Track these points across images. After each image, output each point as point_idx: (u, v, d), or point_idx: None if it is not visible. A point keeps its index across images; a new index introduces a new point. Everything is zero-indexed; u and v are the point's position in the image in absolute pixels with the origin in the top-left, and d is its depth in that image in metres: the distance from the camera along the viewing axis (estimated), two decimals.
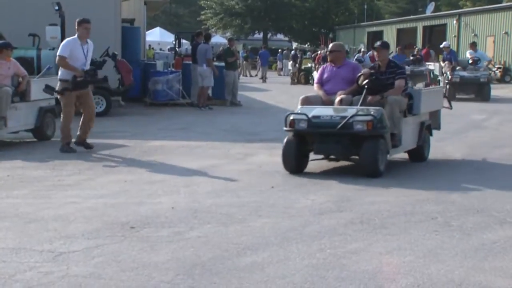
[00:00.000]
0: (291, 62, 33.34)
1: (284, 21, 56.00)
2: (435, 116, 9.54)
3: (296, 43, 59.74)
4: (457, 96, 19.07)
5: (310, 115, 7.87)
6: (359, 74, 8.39)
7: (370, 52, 33.21)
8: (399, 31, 46.14)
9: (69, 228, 5.43)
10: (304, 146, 8.02)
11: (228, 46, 19.58)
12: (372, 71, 8.44)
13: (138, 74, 16.90)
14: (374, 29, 49.94)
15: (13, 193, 6.77)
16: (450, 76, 19.53)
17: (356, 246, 5.02)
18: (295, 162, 7.94)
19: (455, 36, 37.70)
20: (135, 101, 17.27)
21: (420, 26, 43.07)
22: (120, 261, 4.61)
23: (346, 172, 8.13)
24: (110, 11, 16.86)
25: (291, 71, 32.54)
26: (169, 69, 18.73)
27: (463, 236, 5.34)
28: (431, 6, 46.18)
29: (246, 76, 38.29)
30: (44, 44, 14.53)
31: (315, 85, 8.88)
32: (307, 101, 8.49)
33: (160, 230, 5.40)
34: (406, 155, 8.99)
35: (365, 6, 54.49)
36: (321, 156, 8.26)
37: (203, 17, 57.35)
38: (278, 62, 35.56)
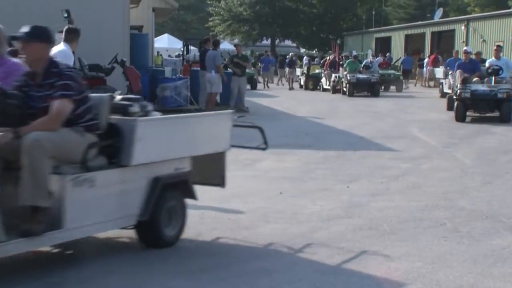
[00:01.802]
0: (287, 69, 33.54)
1: (292, 27, 56.08)
2: (212, 164, 5.53)
3: (304, 50, 59.79)
4: (468, 115, 15.50)
5: None
6: None
7: (379, 58, 33.34)
8: (407, 37, 46.11)
9: None
10: None
11: (236, 52, 19.53)
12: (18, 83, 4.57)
13: (146, 81, 16.96)
14: (382, 35, 49.92)
15: None
16: (459, 91, 15.04)
17: (365, 252, 5.01)
18: None
19: (463, 41, 37.62)
20: None
21: (428, 32, 43.03)
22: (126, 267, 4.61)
23: (356, 179, 8.12)
24: (118, 18, 16.94)
25: (288, 76, 32.72)
26: (177, 75, 18.78)
27: (472, 242, 5.32)
28: (439, 12, 46.15)
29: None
30: None
31: None
32: None
33: None
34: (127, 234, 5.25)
35: (373, 12, 54.52)
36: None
37: (211, 23, 57.50)
38: (286, 68, 35.91)
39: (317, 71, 31.12)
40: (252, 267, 4.64)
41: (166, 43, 44.89)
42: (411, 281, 4.38)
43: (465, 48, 17.91)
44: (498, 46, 16.92)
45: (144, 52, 18.82)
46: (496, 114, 15.15)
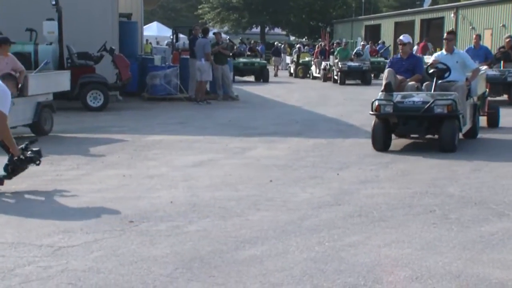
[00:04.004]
0: (273, 57, 34.34)
1: (282, 15, 55.98)
2: None
3: (293, 38, 59.71)
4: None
5: None
6: None
7: (369, 46, 33.32)
8: (396, 24, 46.14)
9: (68, 222, 5.43)
10: None
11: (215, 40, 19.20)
12: None
13: (135, 69, 16.90)
14: (372, 22, 49.93)
15: (11, 188, 6.77)
16: (376, 103, 9.35)
17: (355, 239, 5.04)
18: None
19: (452, 29, 37.71)
20: (133, 95, 17.26)
21: (417, 19, 43.08)
22: (119, 255, 4.62)
23: (346, 166, 8.14)
24: (107, 5, 16.84)
25: (274, 64, 33.61)
26: (167, 63, 18.70)
27: (461, 229, 5.36)
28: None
29: None
30: (41, 39, 14.51)
31: None
32: None
33: (159, 224, 5.41)
34: None
35: (363, 0, 54.49)
36: None
37: (200, 11, 57.30)
38: (271, 56, 36.42)
39: (307, 59, 31.09)
40: (243, 255, 4.65)
41: (155, 31, 44.66)
42: (400, 268, 4.40)
43: (400, 37, 10.72)
44: (450, 33, 10.84)
45: (133, 40, 18.71)
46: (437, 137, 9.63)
